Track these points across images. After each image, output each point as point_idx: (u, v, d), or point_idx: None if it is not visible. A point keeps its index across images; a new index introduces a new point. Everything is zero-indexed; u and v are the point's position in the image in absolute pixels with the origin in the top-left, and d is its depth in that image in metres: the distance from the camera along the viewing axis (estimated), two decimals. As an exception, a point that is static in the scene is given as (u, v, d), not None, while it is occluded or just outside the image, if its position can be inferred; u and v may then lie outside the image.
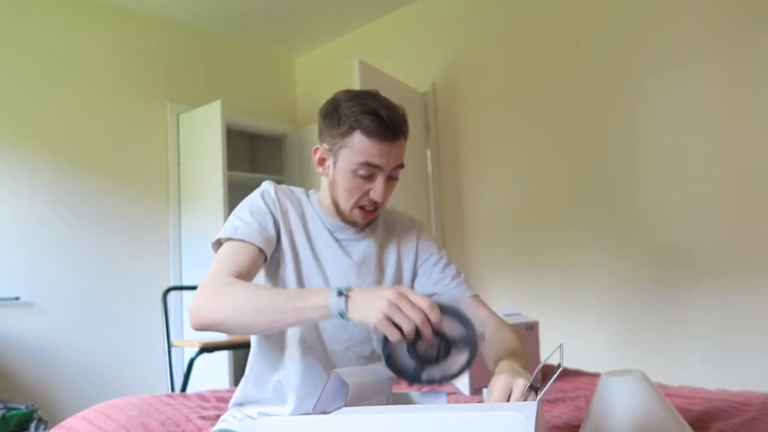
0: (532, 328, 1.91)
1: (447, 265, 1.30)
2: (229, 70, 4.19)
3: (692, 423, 1.20)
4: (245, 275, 1.07)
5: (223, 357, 3.47)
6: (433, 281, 1.27)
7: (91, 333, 3.34)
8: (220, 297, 1.00)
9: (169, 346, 2.53)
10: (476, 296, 1.29)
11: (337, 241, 1.22)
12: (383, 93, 1.21)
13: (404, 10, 3.85)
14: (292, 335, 1.19)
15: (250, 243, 1.11)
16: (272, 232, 1.15)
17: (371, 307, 0.87)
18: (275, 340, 1.20)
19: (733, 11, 2.53)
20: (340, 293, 0.92)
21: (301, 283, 1.19)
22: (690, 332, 2.60)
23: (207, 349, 2.59)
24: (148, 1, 3.67)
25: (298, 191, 1.27)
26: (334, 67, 4.27)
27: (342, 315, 0.90)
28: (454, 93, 3.56)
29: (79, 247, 3.35)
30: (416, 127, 3.60)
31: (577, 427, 1.24)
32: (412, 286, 1.29)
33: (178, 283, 3.72)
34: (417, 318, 0.85)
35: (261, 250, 1.12)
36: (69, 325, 3.26)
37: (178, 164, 3.84)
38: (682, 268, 2.64)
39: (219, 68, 4.14)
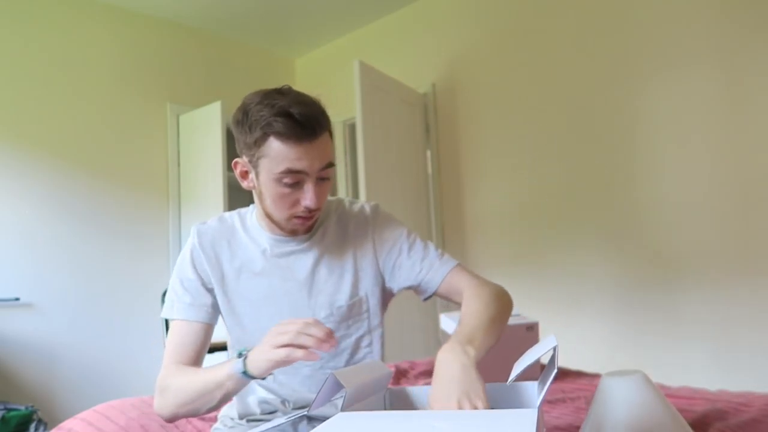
0: (532, 328, 1.91)
1: (424, 246, 1.21)
2: (229, 71, 4.19)
3: (693, 424, 1.20)
4: (193, 356, 1.11)
5: (223, 358, 3.46)
6: (416, 271, 1.19)
7: (91, 334, 3.33)
8: (165, 396, 1.06)
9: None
10: (459, 266, 1.20)
11: (277, 263, 1.15)
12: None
13: (404, 11, 3.85)
14: None
15: (187, 320, 1.13)
16: (205, 299, 1.15)
17: (269, 352, 0.89)
18: None
19: (733, 13, 2.53)
20: (239, 354, 0.95)
21: (245, 327, 1.16)
22: (691, 333, 2.60)
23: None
24: (148, 2, 3.67)
25: (233, 217, 1.22)
26: (334, 68, 4.27)
27: (246, 374, 0.93)
28: (454, 93, 3.56)
29: (79, 248, 3.35)
30: (416, 128, 3.60)
31: (578, 427, 1.24)
32: (382, 287, 1.22)
33: (178, 284, 3.72)
34: (315, 338, 0.86)
35: (202, 322, 1.14)
36: (69, 326, 3.26)
37: (178, 164, 3.84)
38: (683, 268, 2.64)
39: (219, 69, 4.13)
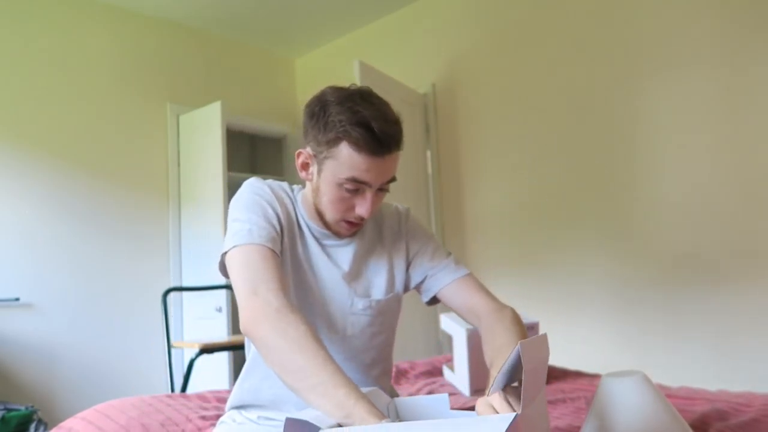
0: (532, 328, 1.91)
1: (446, 253, 1.25)
2: (229, 71, 4.19)
3: (693, 424, 1.20)
4: (286, 289, 0.99)
5: (223, 358, 3.47)
6: (428, 268, 1.23)
7: (91, 334, 3.34)
8: (278, 332, 0.90)
9: (169, 346, 2.53)
10: (469, 275, 1.21)
11: (324, 248, 1.16)
12: (383, 93, 1.14)
13: (404, 11, 3.85)
14: None
15: (272, 249, 1.02)
16: (280, 236, 1.08)
17: None
18: None
19: (733, 13, 2.53)
20: None
21: (296, 291, 1.13)
22: (691, 333, 2.60)
23: (207, 349, 2.59)
24: (148, 2, 3.67)
25: (285, 187, 1.18)
26: (334, 68, 4.27)
27: None
28: (454, 94, 3.57)
29: (79, 248, 3.35)
30: (416, 128, 3.60)
31: (578, 428, 1.24)
32: (405, 283, 1.24)
33: (178, 284, 3.72)
34: None
35: (277, 256, 1.04)
36: (69, 326, 3.26)
37: (178, 165, 3.84)
38: (684, 269, 2.64)
39: (219, 69, 4.14)
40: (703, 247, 2.58)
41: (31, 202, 3.21)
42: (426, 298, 1.26)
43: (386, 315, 1.20)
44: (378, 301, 1.18)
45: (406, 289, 1.27)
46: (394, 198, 3.29)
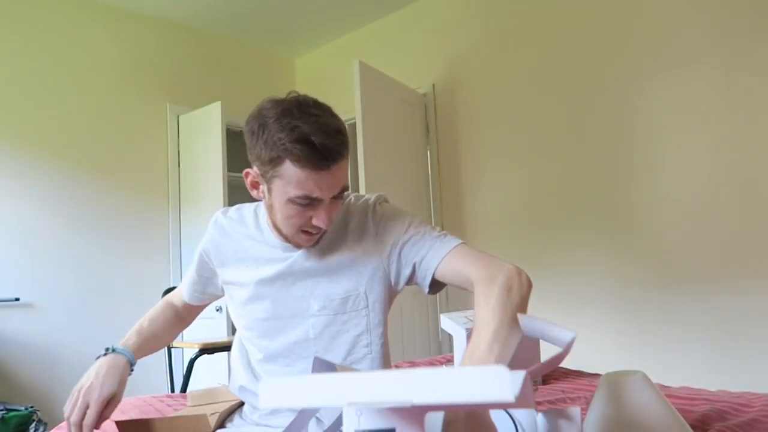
0: (532, 328, 1.90)
1: (424, 231, 1.13)
2: (229, 71, 4.19)
3: (693, 424, 1.20)
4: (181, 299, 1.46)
5: (223, 358, 3.47)
6: (413, 257, 1.12)
7: (91, 334, 3.33)
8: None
9: (169, 347, 2.53)
10: (459, 247, 1.08)
11: (283, 257, 1.15)
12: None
13: (404, 11, 3.85)
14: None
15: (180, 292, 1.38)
16: (210, 287, 1.34)
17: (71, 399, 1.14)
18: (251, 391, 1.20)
19: (733, 13, 2.53)
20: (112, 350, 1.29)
21: (260, 305, 1.17)
22: (691, 333, 2.60)
23: (207, 349, 2.59)
24: (148, 2, 3.67)
25: (249, 210, 1.24)
26: (334, 68, 4.27)
27: None
28: (454, 94, 3.56)
29: (79, 248, 3.35)
30: (416, 128, 3.60)
31: (578, 428, 1.23)
32: (386, 284, 1.16)
33: (178, 284, 3.71)
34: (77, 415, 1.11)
35: (187, 303, 1.42)
36: (69, 326, 3.26)
37: (178, 165, 3.84)
38: (683, 268, 2.64)
39: (219, 69, 4.14)
40: (703, 247, 2.58)
41: (31, 202, 3.21)
42: (425, 287, 1.13)
43: (348, 314, 1.14)
44: (332, 301, 1.13)
45: (397, 285, 1.17)
46: (395, 198, 3.29)
